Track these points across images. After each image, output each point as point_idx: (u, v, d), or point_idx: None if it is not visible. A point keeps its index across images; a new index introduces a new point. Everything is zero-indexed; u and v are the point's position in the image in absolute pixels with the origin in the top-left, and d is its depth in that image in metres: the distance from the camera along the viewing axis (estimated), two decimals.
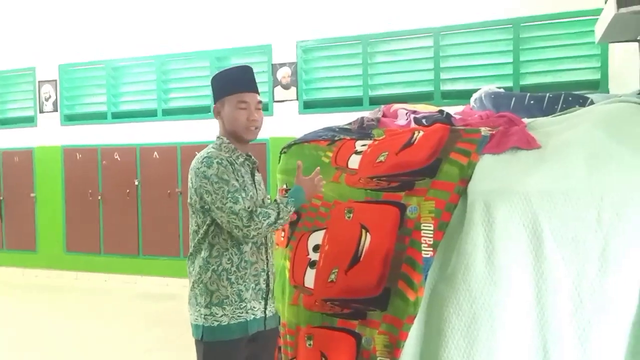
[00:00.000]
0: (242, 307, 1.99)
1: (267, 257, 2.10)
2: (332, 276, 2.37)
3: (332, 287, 2.36)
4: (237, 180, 1.98)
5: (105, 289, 6.19)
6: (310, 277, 2.44)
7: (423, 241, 2.18)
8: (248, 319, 2.01)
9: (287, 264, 2.54)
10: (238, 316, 1.99)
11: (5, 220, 6.99)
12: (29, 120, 6.91)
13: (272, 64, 5.76)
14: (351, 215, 2.40)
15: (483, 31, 5.04)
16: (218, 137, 2.11)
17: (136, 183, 6.28)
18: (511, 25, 4.89)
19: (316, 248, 2.47)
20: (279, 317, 2.23)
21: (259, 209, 1.96)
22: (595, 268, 1.91)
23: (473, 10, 5.02)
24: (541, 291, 1.96)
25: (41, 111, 6.83)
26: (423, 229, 2.20)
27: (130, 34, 6.34)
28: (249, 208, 1.94)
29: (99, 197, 6.46)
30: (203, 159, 1.98)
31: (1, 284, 6.55)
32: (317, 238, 2.47)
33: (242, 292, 1.99)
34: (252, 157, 2.16)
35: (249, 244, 2.01)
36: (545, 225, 1.99)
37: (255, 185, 2.09)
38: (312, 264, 2.46)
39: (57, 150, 6.71)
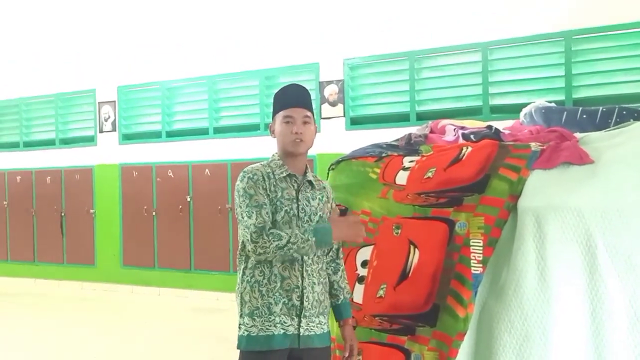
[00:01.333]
0: (270, 320, 1.99)
1: (302, 273, 2.03)
2: (381, 292, 2.39)
3: (380, 303, 2.38)
4: (267, 194, 2.01)
5: (158, 302, 6.37)
6: (358, 293, 2.47)
7: (472, 257, 2.17)
8: (275, 333, 1.98)
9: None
10: (266, 329, 1.99)
11: (67, 236, 7.33)
12: (90, 140, 7.26)
13: (319, 82, 5.86)
14: (399, 231, 2.42)
15: (533, 45, 4.97)
16: (272, 155, 2.17)
17: (188, 199, 6.48)
18: (562, 39, 4.81)
19: (364, 264, 2.50)
20: (328, 336, 2.13)
21: (272, 229, 1.95)
22: None
23: (522, 24, 4.96)
24: (596, 309, 1.91)
25: (101, 131, 7.16)
26: (472, 245, 2.19)
27: (182, 56, 6.60)
28: (260, 224, 1.94)
29: (153, 213, 6.69)
30: (241, 173, 2.06)
31: (61, 297, 6.86)
32: (365, 254, 2.50)
33: (272, 305, 1.99)
34: (300, 176, 2.12)
35: (280, 260, 2.00)
36: (599, 241, 1.95)
37: (298, 201, 2.06)
38: (361, 280, 2.48)
39: (115, 168, 7.01)
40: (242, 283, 2.05)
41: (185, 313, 5.78)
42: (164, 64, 6.72)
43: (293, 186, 2.08)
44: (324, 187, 2.19)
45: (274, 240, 1.92)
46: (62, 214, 7.32)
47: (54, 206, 7.37)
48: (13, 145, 7.85)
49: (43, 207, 7.47)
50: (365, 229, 2.53)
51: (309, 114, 2.11)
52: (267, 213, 1.98)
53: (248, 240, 1.94)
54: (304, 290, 2.03)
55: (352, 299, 2.47)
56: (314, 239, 1.95)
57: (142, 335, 5.00)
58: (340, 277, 2.20)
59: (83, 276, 7.22)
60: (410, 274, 2.32)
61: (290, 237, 1.93)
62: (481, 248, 2.17)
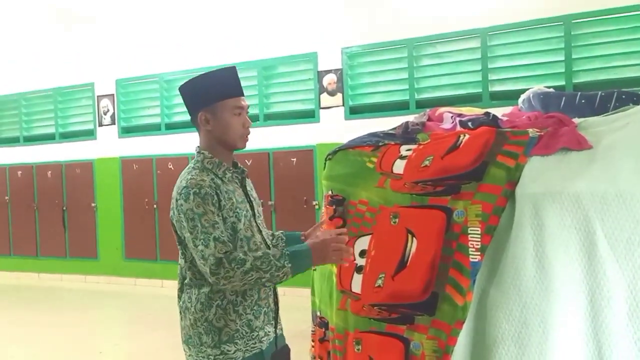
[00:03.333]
0: (254, 337, 1.81)
1: None
2: (379, 281, 2.38)
3: (379, 292, 2.37)
4: (219, 208, 1.74)
5: (161, 294, 6.39)
6: (357, 282, 2.46)
7: (470, 245, 2.16)
8: (263, 348, 1.83)
9: (334, 269, 2.56)
10: (252, 347, 1.80)
11: (69, 230, 7.35)
12: (89, 134, 7.26)
13: (317, 71, 5.83)
14: (397, 220, 2.41)
15: (532, 30, 4.93)
16: (199, 152, 1.88)
17: None
18: (562, 23, 4.77)
19: (362, 253, 2.48)
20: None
21: (233, 255, 1.68)
22: None
23: (521, 9, 4.92)
24: (595, 295, 1.90)
25: (100, 124, 7.16)
26: (470, 233, 2.17)
27: (180, 48, 6.57)
28: (220, 252, 1.67)
29: (155, 206, 6.70)
30: (182, 190, 1.77)
31: (65, 291, 6.89)
32: (363, 243, 2.49)
33: (252, 321, 1.80)
34: (240, 167, 1.95)
35: None
36: (598, 227, 1.93)
37: (248, 198, 1.89)
38: (359, 269, 2.47)
39: (115, 161, 7.01)
40: (209, 309, 1.78)
41: None
42: (162, 57, 6.69)
43: (238, 184, 1.88)
44: (246, 170, 2.00)
45: (237, 268, 1.66)
46: (64, 208, 7.34)
47: (56, 200, 7.39)
48: (13, 140, 7.86)
49: (45, 201, 7.49)
50: (363, 218, 2.53)
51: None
52: (222, 233, 1.71)
53: (207, 273, 1.69)
54: (276, 290, 1.94)
55: (351, 287, 2.47)
56: (289, 265, 1.69)
57: (146, 327, 5.02)
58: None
59: (86, 269, 7.25)
60: (408, 263, 2.31)
61: (256, 260, 1.67)
62: (479, 236, 2.15)
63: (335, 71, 5.72)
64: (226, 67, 1.92)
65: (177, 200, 1.78)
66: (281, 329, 1.98)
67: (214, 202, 1.73)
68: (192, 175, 1.79)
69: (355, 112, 5.69)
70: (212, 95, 1.84)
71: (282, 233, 2.13)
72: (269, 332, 1.86)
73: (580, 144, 2.17)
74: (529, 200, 2.06)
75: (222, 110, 1.83)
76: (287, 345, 2.06)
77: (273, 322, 1.90)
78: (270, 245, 1.97)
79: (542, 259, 1.98)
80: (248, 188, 1.94)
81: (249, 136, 1.88)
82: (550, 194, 2.03)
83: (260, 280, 1.68)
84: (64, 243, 7.37)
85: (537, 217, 2.02)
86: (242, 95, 1.88)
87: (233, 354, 1.77)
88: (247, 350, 1.79)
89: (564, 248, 1.97)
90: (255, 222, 1.88)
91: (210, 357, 1.78)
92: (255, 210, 1.90)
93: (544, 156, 2.19)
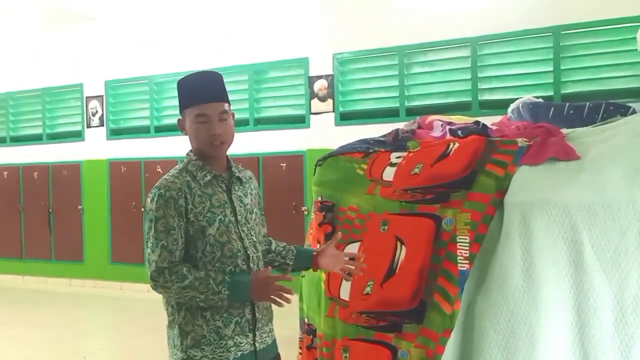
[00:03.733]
0: (222, 345, 1.74)
1: None
2: (368, 289, 2.38)
3: (367, 300, 2.37)
4: (181, 214, 1.72)
5: (147, 299, 6.33)
6: (345, 289, 2.45)
7: (459, 254, 2.17)
8: (230, 358, 1.75)
9: (323, 275, 2.56)
10: (219, 356, 1.74)
11: (54, 232, 7.27)
12: (77, 135, 7.19)
13: (308, 77, 5.83)
14: (386, 227, 2.41)
15: (522, 40, 4.97)
16: (187, 154, 1.87)
17: None
18: (551, 34, 4.81)
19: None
20: (275, 341, 1.95)
21: (177, 268, 1.69)
22: (638, 281, 1.86)
23: (511, 19, 4.96)
24: (582, 305, 1.92)
25: (89, 126, 7.10)
26: (459, 242, 2.18)
27: (170, 51, 6.54)
28: (162, 263, 1.69)
29: (142, 209, 6.64)
30: (152, 189, 1.77)
31: (50, 294, 6.80)
32: (352, 250, 2.48)
33: (221, 328, 1.75)
34: (234, 171, 1.88)
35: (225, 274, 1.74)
36: (585, 238, 1.95)
37: (232, 204, 1.83)
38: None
39: (103, 163, 6.95)
40: (179, 312, 1.77)
41: None
42: (153, 59, 6.65)
43: (221, 188, 1.83)
44: (250, 177, 1.96)
45: (176, 281, 1.67)
46: (50, 210, 7.26)
47: (42, 202, 7.30)
48: (0, 141, 7.76)
49: (30, 203, 7.40)
50: (353, 225, 2.53)
51: (225, 107, 1.81)
52: (174, 240, 1.70)
53: (148, 277, 1.71)
54: (254, 301, 1.81)
55: (339, 294, 2.46)
56: (227, 292, 1.68)
57: (131, 331, 4.97)
58: (277, 243, 2.04)
59: (71, 273, 7.17)
60: (397, 270, 2.31)
61: (196, 280, 1.67)
62: (468, 244, 2.16)
63: (327, 77, 5.73)
64: (201, 71, 1.89)
65: (146, 203, 1.78)
66: (267, 342, 1.87)
67: (177, 207, 1.72)
68: (167, 176, 1.79)
69: (345, 118, 5.70)
70: (181, 103, 1.84)
71: (294, 247, 2.06)
72: (241, 343, 1.78)
73: (568, 155, 2.19)
74: (517, 209, 2.08)
75: (188, 118, 1.81)
76: (276, 356, 1.95)
77: (250, 334, 1.80)
78: (256, 256, 1.85)
79: (529, 268, 1.99)
80: (239, 194, 1.87)
81: (222, 143, 1.80)
82: (538, 203, 2.04)
83: (195, 299, 1.69)
84: (50, 245, 7.28)
85: (525, 227, 2.04)
86: (209, 101, 1.78)
87: (200, 359, 1.75)
88: (214, 357, 1.75)
89: (552, 258, 1.98)
90: (238, 229, 1.81)
91: (181, 358, 1.77)
92: (240, 217, 1.83)
93: (533, 166, 2.20)
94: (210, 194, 1.79)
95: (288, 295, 1.73)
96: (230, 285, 1.69)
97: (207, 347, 1.74)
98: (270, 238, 2.07)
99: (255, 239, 1.87)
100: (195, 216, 1.74)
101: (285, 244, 2.07)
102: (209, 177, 1.80)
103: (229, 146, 1.85)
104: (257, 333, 1.82)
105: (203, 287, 1.68)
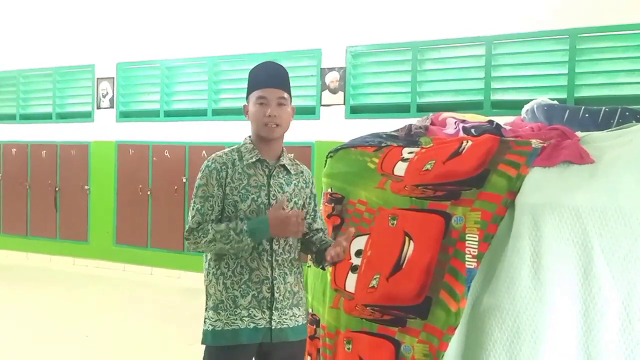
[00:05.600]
0: (236, 313, 1.90)
1: (272, 264, 1.94)
2: (374, 282, 2.38)
3: (372, 293, 2.37)
4: (221, 185, 1.92)
5: (150, 281, 6.37)
6: (351, 282, 2.46)
7: (467, 252, 2.17)
8: (241, 327, 1.89)
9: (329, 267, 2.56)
10: (232, 322, 1.90)
11: (60, 211, 7.30)
12: (87, 116, 7.20)
13: (320, 68, 5.81)
14: (395, 222, 2.41)
15: (538, 41, 4.93)
16: (245, 138, 2.06)
17: (184, 180, 6.45)
18: (567, 36, 4.77)
19: (358, 253, 2.49)
20: (303, 328, 2.04)
21: (202, 225, 1.90)
22: None
23: (528, 20, 4.93)
24: (589, 309, 1.91)
25: (98, 107, 7.11)
26: (468, 240, 2.18)
27: (184, 35, 6.53)
28: (194, 224, 1.92)
29: (148, 192, 6.66)
30: (204, 161, 2.00)
31: (53, 272, 6.85)
32: (359, 243, 2.49)
33: (238, 298, 1.91)
34: (282, 163, 2.02)
35: (249, 250, 1.92)
36: (596, 242, 1.94)
37: (269, 188, 1.97)
38: (354, 269, 2.47)
39: (111, 145, 6.97)
40: (207, 275, 1.99)
41: (177, 293, 5.78)
42: (165, 43, 6.65)
43: (264, 172, 1.98)
44: (302, 172, 2.09)
45: (202, 236, 1.89)
46: (57, 189, 7.29)
47: (49, 180, 7.33)
48: (9, 117, 7.78)
49: (37, 181, 7.43)
50: (361, 218, 2.53)
51: (285, 95, 1.97)
52: (210, 206, 1.92)
53: (184, 234, 1.96)
54: (274, 282, 1.93)
55: (345, 286, 2.47)
56: (249, 239, 1.86)
57: (133, 313, 5.00)
58: (321, 236, 2.10)
59: (75, 252, 7.20)
60: (404, 265, 2.31)
61: (217, 232, 1.86)
62: (476, 243, 2.16)
63: (339, 69, 5.71)
64: (264, 62, 2.06)
65: None
66: (286, 324, 1.96)
67: (218, 178, 1.94)
68: (219, 152, 2.01)
69: (355, 111, 5.68)
70: (248, 89, 2.01)
71: (328, 240, 2.10)
72: (255, 316, 1.91)
73: (582, 158, 2.18)
74: (528, 210, 2.07)
75: (251, 102, 1.98)
76: (297, 342, 2.01)
77: (267, 311, 1.92)
78: (284, 240, 1.98)
79: (538, 269, 1.99)
80: (280, 181, 2.00)
81: (277, 126, 1.95)
82: (550, 205, 2.04)
83: (225, 249, 1.89)
84: (55, 224, 7.31)
85: (536, 228, 2.03)
86: (270, 86, 1.95)
87: (214, 322, 1.92)
88: (227, 323, 1.90)
89: (561, 260, 1.98)
90: (266, 211, 1.93)
91: (205, 318, 1.97)
92: (274, 201, 1.96)
93: (546, 167, 2.19)
94: (250, 174, 1.96)
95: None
96: (250, 232, 1.86)
97: (223, 312, 1.92)
98: (319, 232, 2.13)
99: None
100: (231, 190, 1.93)
101: (329, 239, 2.10)
102: (253, 159, 1.97)
103: (283, 132, 2.00)
104: (276, 313, 1.94)
105: (225, 239, 1.86)
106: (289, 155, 2.10)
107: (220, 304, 1.92)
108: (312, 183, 2.13)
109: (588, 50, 4.76)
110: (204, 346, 1.99)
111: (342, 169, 2.68)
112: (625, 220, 1.92)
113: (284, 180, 2.01)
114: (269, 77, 1.97)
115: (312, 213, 2.12)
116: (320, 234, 2.12)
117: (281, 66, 2.04)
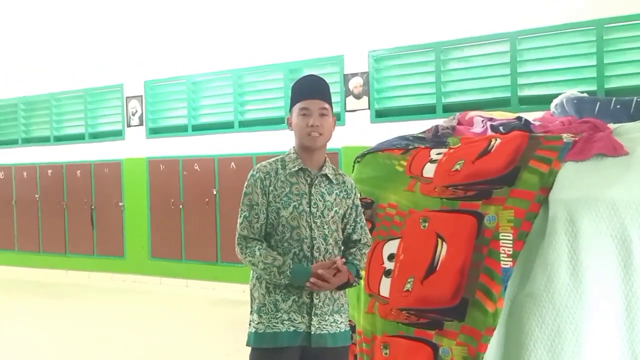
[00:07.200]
0: (277, 317, 1.96)
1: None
2: (408, 285, 2.37)
3: (407, 297, 2.36)
4: (265, 193, 1.99)
5: (186, 294, 6.46)
6: (385, 286, 2.45)
7: (502, 251, 2.14)
8: (282, 330, 1.94)
9: (362, 272, 2.56)
10: (274, 326, 1.95)
11: (97, 228, 7.47)
12: (118, 134, 7.37)
13: (344, 74, 5.83)
14: (427, 224, 2.39)
15: (563, 34, 4.85)
16: (290, 148, 2.11)
17: (214, 192, 6.53)
18: (594, 27, 4.68)
19: (391, 257, 2.48)
20: (345, 335, 2.05)
21: (253, 243, 1.98)
22: None
23: (552, 13, 4.85)
24: (630, 304, 1.87)
25: (129, 125, 7.27)
26: (502, 239, 2.15)
27: (208, 50, 6.64)
28: (242, 231, 2.02)
29: (180, 206, 6.77)
30: (250, 171, 2.07)
31: (92, 288, 7.00)
32: (392, 247, 2.48)
33: (279, 302, 1.97)
34: (315, 170, 2.04)
35: (289, 254, 1.97)
36: (635, 235, 1.90)
37: (310, 196, 2.00)
38: (387, 273, 2.46)
39: (142, 161, 7.11)
40: (252, 279, 2.07)
41: (212, 305, 5.84)
42: (190, 59, 6.76)
43: (306, 181, 2.03)
44: (344, 182, 2.10)
45: (249, 255, 1.98)
46: (92, 207, 7.46)
47: (84, 199, 7.52)
48: (44, 140, 8.02)
49: (74, 200, 7.63)
50: (392, 222, 2.52)
51: (326, 105, 2.03)
52: (256, 214, 2.01)
53: (235, 240, 2.04)
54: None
55: (379, 290, 2.46)
56: (287, 282, 1.93)
57: (171, 325, 5.08)
58: (353, 250, 2.10)
59: (112, 268, 7.36)
60: (437, 267, 2.30)
61: (264, 259, 1.93)
62: (511, 242, 2.13)
63: (362, 74, 5.72)
64: (310, 75, 2.15)
65: None
66: (327, 330, 1.98)
67: (262, 186, 2.01)
68: (264, 162, 2.08)
69: (381, 115, 5.67)
70: (291, 101, 2.09)
71: (352, 259, 2.10)
72: (296, 320, 1.96)
73: (616, 150, 2.13)
74: (563, 206, 2.04)
75: (294, 113, 2.05)
76: (340, 348, 2.02)
77: (307, 316, 1.96)
78: (324, 248, 2.00)
79: (576, 266, 1.95)
80: (322, 190, 2.04)
81: (321, 135, 1.99)
82: (585, 200, 2.00)
83: (262, 276, 1.98)
84: (92, 241, 7.49)
85: (572, 224, 1.99)
86: (312, 98, 2.02)
87: (257, 324, 1.98)
88: (268, 326, 1.96)
89: (599, 256, 1.94)
90: (310, 218, 1.98)
91: (250, 321, 2.03)
92: (315, 209, 2.00)
93: (579, 162, 2.16)
94: (293, 182, 2.02)
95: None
96: (291, 277, 1.93)
97: (265, 315, 1.97)
98: (358, 244, 2.13)
99: (326, 232, 2.01)
100: (274, 197, 2.00)
101: (352, 255, 2.10)
102: (296, 168, 2.03)
103: (325, 141, 2.04)
104: (315, 318, 1.97)
105: (266, 272, 1.94)
106: (333, 165, 2.12)
107: (262, 307, 1.98)
108: (355, 194, 2.13)
109: (615, 41, 4.65)
110: (237, 355, 2.04)
111: (370, 174, 2.68)
112: None
113: (326, 189, 2.05)
114: (310, 90, 2.05)
115: (353, 224, 2.12)
116: (355, 249, 2.11)
117: (322, 79, 2.11)
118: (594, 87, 4.66)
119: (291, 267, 1.93)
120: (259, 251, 1.97)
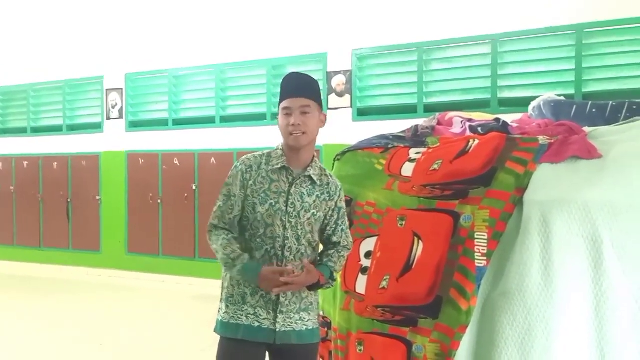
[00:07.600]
0: (243, 309, 1.96)
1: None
2: (384, 283, 2.38)
3: (383, 294, 2.37)
4: (244, 186, 1.99)
5: (163, 289, 6.41)
6: (361, 283, 2.46)
7: (476, 250, 2.16)
8: (244, 323, 1.95)
9: (337, 274, 2.56)
10: (238, 317, 1.96)
11: (72, 222, 7.37)
12: (97, 127, 7.27)
13: (327, 72, 5.83)
14: (404, 222, 2.41)
15: (543, 37, 4.91)
16: (278, 145, 2.09)
17: (194, 188, 6.49)
18: (574, 32, 4.75)
19: (368, 254, 2.49)
20: (313, 333, 2.03)
21: (219, 232, 2.00)
22: None
23: (533, 17, 4.91)
24: (600, 304, 1.90)
25: (108, 118, 7.17)
26: (477, 238, 2.18)
27: (190, 44, 6.58)
28: (214, 219, 2.03)
29: (159, 201, 6.71)
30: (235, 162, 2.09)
31: (67, 282, 6.90)
32: (369, 244, 2.49)
33: (247, 295, 1.97)
34: (298, 170, 2.01)
35: (261, 251, 1.96)
36: (606, 237, 1.93)
37: (289, 195, 1.97)
38: (364, 270, 2.48)
39: (121, 155, 7.02)
40: (222, 269, 2.06)
41: (189, 300, 5.80)
42: (172, 52, 6.70)
43: (287, 179, 1.99)
44: (328, 184, 2.04)
45: (213, 243, 2.00)
46: (69, 200, 7.35)
47: (61, 192, 7.40)
48: (21, 131, 7.88)
49: (49, 192, 7.50)
50: (370, 220, 2.53)
51: (308, 102, 1.97)
52: (231, 206, 2.00)
53: (207, 226, 2.06)
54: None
55: (355, 288, 2.47)
56: (239, 267, 1.91)
57: (146, 321, 5.03)
58: (327, 253, 2.06)
59: (88, 262, 7.26)
60: (413, 265, 2.32)
61: (223, 250, 1.94)
62: (486, 241, 2.16)
63: (345, 72, 5.73)
64: (293, 72, 2.13)
65: None
66: (288, 328, 1.96)
67: (242, 179, 2.01)
68: (250, 155, 2.07)
69: (362, 114, 5.69)
70: (279, 100, 2.06)
71: (324, 263, 2.06)
72: (261, 315, 1.95)
73: (590, 153, 2.17)
74: (537, 207, 2.06)
75: (279, 114, 2.03)
76: (309, 345, 2.01)
77: (272, 312, 1.95)
78: (296, 248, 1.97)
79: (548, 266, 1.98)
80: (302, 190, 1.99)
81: (304, 134, 1.95)
82: (558, 201, 2.03)
83: (220, 259, 1.98)
84: (67, 235, 7.38)
85: (545, 225, 2.02)
86: (294, 96, 1.98)
87: (223, 313, 2.00)
88: (233, 317, 1.97)
89: (571, 256, 1.97)
90: (285, 218, 1.95)
91: (219, 308, 2.05)
92: (292, 209, 1.97)
93: (554, 164, 2.19)
94: (273, 179, 2.00)
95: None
96: (241, 272, 1.93)
97: (232, 306, 1.99)
98: (337, 246, 2.09)
99: (300, 233, 1.98)
100: (252, 192, 1.99)
101: (328, 257, 2.06)
102: (279, 166, 2.01)
103: (310, 140, 1.99)
104: (280, 316, 1.96)
105: (223, 262, 1.97)
106: (321, 166, 2.08)
107: (230, 298, 2.00)
108: (339, 196, 2.07)
109: (594, 45, 4.73)
110: (214, 351, 2.05)
111: (349, 172, 2.69)
112: (635, 214, 1.91)
113: (306, 190, 2.00)
114: (292, 88, 2.02)
115: (334, 226, 2.07)
116: (333, 251, 2.07)
117: (306, 76, 2.06)
118: (572, 91, 4.74)
119: (244, 262, 1.92)
120: (222, 240, 1.98)
